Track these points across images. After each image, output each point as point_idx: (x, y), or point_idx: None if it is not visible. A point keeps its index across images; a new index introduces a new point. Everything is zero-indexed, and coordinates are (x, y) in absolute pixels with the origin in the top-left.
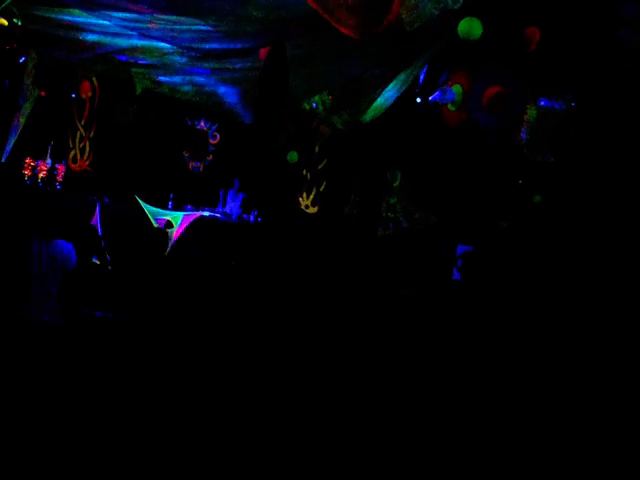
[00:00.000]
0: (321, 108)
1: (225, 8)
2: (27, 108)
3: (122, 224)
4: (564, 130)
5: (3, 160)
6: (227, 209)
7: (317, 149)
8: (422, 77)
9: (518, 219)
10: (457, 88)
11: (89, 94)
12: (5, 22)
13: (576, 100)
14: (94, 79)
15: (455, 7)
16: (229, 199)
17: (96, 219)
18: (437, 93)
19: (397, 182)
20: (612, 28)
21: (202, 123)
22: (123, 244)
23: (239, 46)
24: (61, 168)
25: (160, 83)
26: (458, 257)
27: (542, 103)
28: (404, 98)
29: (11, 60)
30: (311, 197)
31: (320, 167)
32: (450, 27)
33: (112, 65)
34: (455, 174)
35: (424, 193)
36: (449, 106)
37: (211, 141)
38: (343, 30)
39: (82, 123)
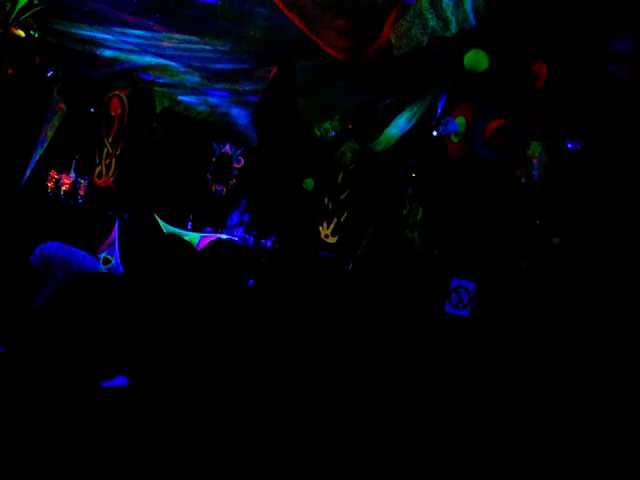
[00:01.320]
0: (330, 135)
1: (222, 27)
2: (55, 122)
3: (139, 241)
4: (576, 169)
5: (29, 172)
6: (235, 231)
7: (340, 179)
8: (440, 110)
9: (538, 260)
10: (460, 120)
11: (118, 112)
12: (22, 33)
13: (583, 139)
14: (124, 97)
15: (446, 34)
16: (234, 218)
17: (114, 234)
18: (441, 125)
19: (419, 216)
20: (602, 63)
21: (227, 147)
22: (139, 260)
23: (241, 66)
24: (84, 182)
25: (179, 102)
26: (452, 290)
27: (550, 141)
28: (421, 130)
29: (38, 74)
30: (331, 227)
31: (342, 197)
32: (447, 56)
33: (135, 82)
34: (475, 211)
35: (446, 230)
36: (452, 137)
37: (235, 165)
38: (332, 52)
39: (110, 140)
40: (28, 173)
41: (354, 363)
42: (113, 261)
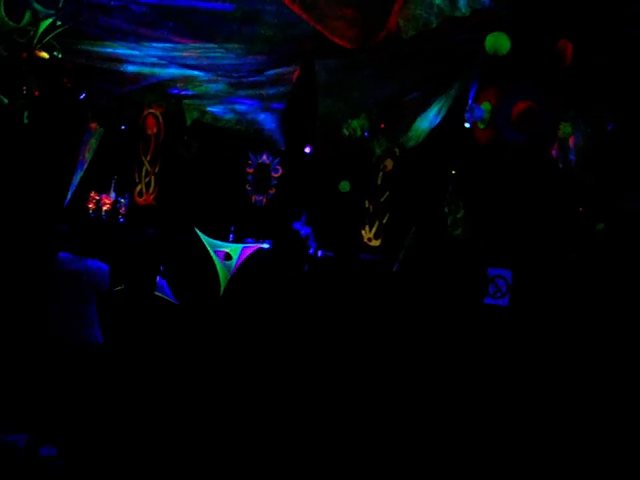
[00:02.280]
0: (359, 133)
1: (234, 29)
2: (93, 144)
3: (183, 256)
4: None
5: (70, 194)
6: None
7: (379, 181)
8: (471, 101)
9: (585, 248)
10: (486, 105)
11: (154, 130)
12: (46, 55)
13: (615, 116)
14: (159, 115)
15: (455, 14)
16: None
17: (158, 251)
18: (466, 112)
19: (460, 213)
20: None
21: (264, 157)
22: (184, 276)
23: (259, 67)
24: (124, 202)
25: (207, 113)
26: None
27: (583, 121)
28: (454, 123)
29: (69, 96)
30: (374, 230)
31: (382, 199)
32: (467, 43)
33: (163, 97)
34: (516, 201)
35: (488, 223)
36: (479, 124)
37: (273, 174)
38: (338, 41)
39: (148, 158)
40: (70, 196)
41: (404, 358)
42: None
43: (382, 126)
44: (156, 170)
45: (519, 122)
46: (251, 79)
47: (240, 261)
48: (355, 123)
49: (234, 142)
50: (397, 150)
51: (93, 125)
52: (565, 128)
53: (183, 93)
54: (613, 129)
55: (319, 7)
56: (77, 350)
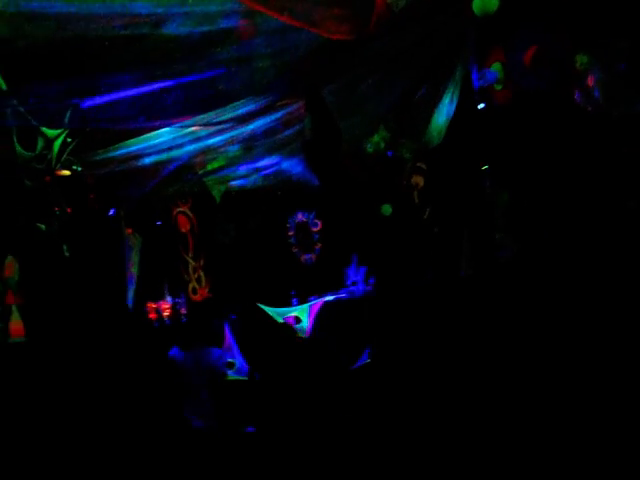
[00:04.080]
0: (383, 145)
1: (231, 78)
2: (135, 257)
3: (252, 335)
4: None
5: (131, 308)
6: (355, 288)
7: (416, 199)
8: (475, 78)
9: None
10: (496, 66)
11: (188, 227)
12: (68, 172)
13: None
14: (188, 212)
15: None
16: (351, 276)
17: (229, 338)
18: (476, 80)
19: (503, 202)
20: None
21: (300, 215)
22: (259, 353)
23: (265, 102)
24: (182, 301)
25: (232, 178)
26: None
27: (598, 50)
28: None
29: (98, 210)
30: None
31: (425, 217)
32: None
33: (185, 184)
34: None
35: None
36: (495, 86)
37: (314, 229)
38: (335, 37)
39: (190, 255)
40: (131, 308)
41: None
42: (237, 364)
43: (402, 131)
44: (202, 264)
45: (534, 67)
46: (264, 125)
47: (312, 319)
48: (376, 137)
49: (267, 210)
50: (423, 165)
51: (129, 231)
52: (581, 59)
53: (201, 173)
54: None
55: (308, 14)
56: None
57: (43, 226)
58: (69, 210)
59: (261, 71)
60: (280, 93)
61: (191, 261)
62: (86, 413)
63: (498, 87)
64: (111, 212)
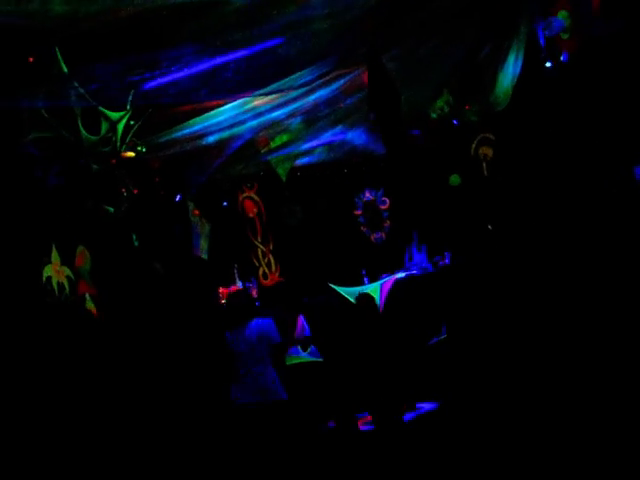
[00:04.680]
0: (447, 109)
1: (290, 44)
2: (204, 244)
3: (325, 315)
4: None
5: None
6: (414, 266)
7: (485, 171)
8: (541, 36)
9: None
10: (562, 14)
11: (255, 211)
12: (133, 154)
13: None
14: (254, 197)
15: None
16: (415, 254)
17: (301, 321)
18: (541, 30)
19: None
20: None
21: (367, 194)
22: (333, 334)
23: (327, 68)
24: (252, 285)
25: (296, 156)
26: None
27: None
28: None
29: (164, 196)
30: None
31: (495, 188)
32: None
33: (248, 163)
34: None
35: None
36: (562, 35)
37: (382, 207)
38: None
39: (259, 240)
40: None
41: None
42: (310, 347)
43: (467, 94)
44: (271, 248)
45: (604, 11)
46: (325, 95)
47: (384, 297)
48: (440, 102)
49: (333, 189)
50: (491, 135)
51: (196, 212)
52: None
53: (264, 157)
54: None
55: None
56: (264, 410)
57: (111, 208)
58: (135, 191)
59: (320, 34)
60: (339, 55)
61: (260, 245)
62: (159, 400)
63: (565, 36)
64: (177, 198)
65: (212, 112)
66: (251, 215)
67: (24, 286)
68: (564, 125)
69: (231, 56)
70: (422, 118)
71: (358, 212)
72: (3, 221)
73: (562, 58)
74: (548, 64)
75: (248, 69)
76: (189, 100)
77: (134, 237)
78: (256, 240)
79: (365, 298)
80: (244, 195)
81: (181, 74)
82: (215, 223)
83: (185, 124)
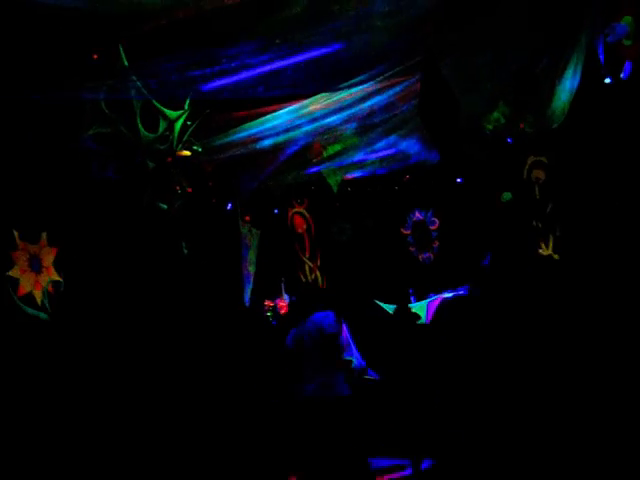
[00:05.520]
0: (503, 120)
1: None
2: (252, 256)
3: (370, 331)
4: None
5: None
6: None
7: (537, 194)
8: (601, 49)
9: None
10: (626, 19)
11: (304, 227)
12: (188, 153)
13: None
14: (304, 212)
15: None
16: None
17: (346, 335)
18: (602, 37)
19: None
20: None
21: (417, 214)
22: (377, 350)
23: (381, 69)
24: None
25: (348, 168)
26: None
27: None
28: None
29: (216, 202)
30: (550, 245)
31: (547, 212)
32: None
33: (300, 171)
34: None
35: None
36: (624, 42)
37: (431, 227)
38: None
39: (307, 256)
40: (248, 306)
41: None
42: (355, 361)
43: (523, 106)
44: (319, 264)
45: None
46: (381, 101)
47: (430, 315)
48: (496, 114)
49: (382, 206)
50: (544, 159)
51: (247, 218)
52: None
53: (319, 166)
54: None
55: None
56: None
57: (165, 205)
58: (189, 190)
59: (379, 34)
60: (396, 57)
61: (308, 262)
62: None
63: (627, 42)
64: (229, 206)
65: (268, 116)
66: (300, 231)
67: None
68: (622, 144)
69: (289, 53)
70: (477, 130)
71: (407, 231)
72: (63, 214)
73: (624, 68)
74: (607, 80)
75: (307, 67)
76: (245, 95)
77: (184, 245)
78: (304, 256)
79: (408, 314)
80: (294, 210)
81: (241, 74)
82: (264, 231)
83: (241, 127)
